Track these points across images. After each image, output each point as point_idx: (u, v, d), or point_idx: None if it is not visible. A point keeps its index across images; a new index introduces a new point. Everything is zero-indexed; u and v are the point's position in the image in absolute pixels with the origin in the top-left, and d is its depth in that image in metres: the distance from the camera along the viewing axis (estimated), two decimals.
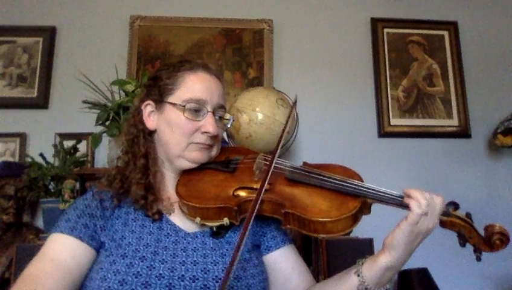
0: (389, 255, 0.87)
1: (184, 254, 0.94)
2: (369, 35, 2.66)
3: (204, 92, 1.05)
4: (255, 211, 0.88)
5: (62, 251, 0.93)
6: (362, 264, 0.92)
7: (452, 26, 2.69)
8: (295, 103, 1.18)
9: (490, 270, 2.33)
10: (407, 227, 0.85)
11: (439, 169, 2.50)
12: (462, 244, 0.89)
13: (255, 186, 0.99)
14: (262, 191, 0.91)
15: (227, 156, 1.12)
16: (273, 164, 0.96)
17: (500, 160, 2.55)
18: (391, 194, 0.91)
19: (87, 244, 0.94)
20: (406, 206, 0.87)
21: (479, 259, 0.88)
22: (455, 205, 0.90)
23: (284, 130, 1.06)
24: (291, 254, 1.08)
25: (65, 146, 2.07)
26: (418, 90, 2.59)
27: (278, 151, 0.97)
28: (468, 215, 0.90)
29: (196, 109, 1.04)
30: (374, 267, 0.89)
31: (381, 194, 0.91)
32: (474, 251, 0.89)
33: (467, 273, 2.31)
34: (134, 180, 1.02)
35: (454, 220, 0.89)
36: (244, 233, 0.82)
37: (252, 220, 0.86)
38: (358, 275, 0.90)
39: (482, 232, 0.88)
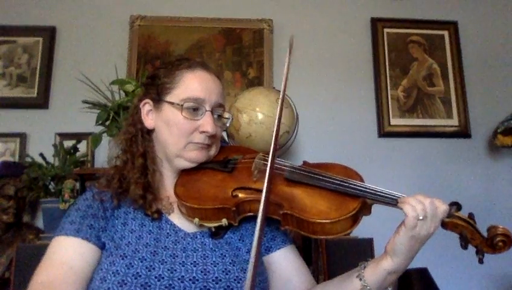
0: (391, 260, 0.87)
1: (184, 254, 0.94)
2: (369, 35, 2.65)
3: (202, 90, 1.04)
4: (264, 213, 0.87)
5: (71, 254, 0.92)
6: (364, 268, 0.91)
7: (452, 26, 2.69)
8: (291, 45, 1.13)
9: (490, 270, 2.33)
10: (406, 233, 0.84)
11: (439, 169, 2.50)
12: (464, 247, 0.87)
13: (253, 187, 0.98)
14: (264, 194, 0.89)
15: (226, 155, 1.11)
16: (273, 165, 0.94)
17: (500, 160, 2.55)
18: (392, 195, 0.89)
19: (94, 245, 0.94)
20: None
21: (481, 261, 0.85)
22: (457, 206, 0.88)
23: (281, 105, 1.01)
24: (292, 254, 1.07)
25: (65, 146, 2.07)
26: (418, 90, 2.59)
27: (276, 149, 0.96)
28: (471, 216, 0.88)
29: (194, 108, 1.03)
30: (376, 272, 0.88)
31: (381, 195, 0.90)
32: (477, 253, 0.87)
33: (467, 273, 2.31)
34: (133, 180, 1.01)
35: (456, 221, 0.87)
36: (259, 238, 0.80)
37: (263, 225, 0.84)
38: (361, 279, 0.90)
39: (484, 234, 0.86)
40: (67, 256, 0.92)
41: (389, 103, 2.55)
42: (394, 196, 0.89)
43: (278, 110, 0.99)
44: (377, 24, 2.66)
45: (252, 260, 0.74)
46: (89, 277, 0.92)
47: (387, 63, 2.60)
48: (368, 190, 0.92)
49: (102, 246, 0.95)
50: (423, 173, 2.48)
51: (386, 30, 2.65)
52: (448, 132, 2.54)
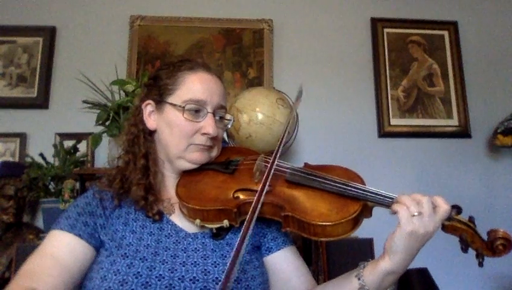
0: (388, 259, 0.87)
1: (184, 254, 0.94)
2: (369, 35, 2.66)
3: (204, 92, 1.04)
4: (255, 215, 0.87)
5: (61, 248, 0.93)
6: (364, 267, 0.91)
7: (452, 26, 2.69)
8: (301, 93, 1.13)
9: (490, 271, 2.33)
10: (402, 230, 0.84)
11: (439, 169, 2.50)
12: (464, 250, 0.87)
13: (255, 188, 0.98)
14: (263, 195, 0.90)
15: (227, 156, 1.11)
16: (274, 166, 0.95)
17: (500, 160, 2.55)
18: (393, 198, 0.90)
19: (86, 242, 0.94)
20: None
21: (481, 265, 0.86)
22: (458, 209, 0.88)
23: (286, 129, 1.04)
24: (292, 255, 1.07)
25: (65, 146, 2.07)
26: (418, 90, 2.59)
27: (279, 153, 0.96)
28: (471, 219, 0.88)
29: (196, 110, 1.03)
30: (375, 272, 0.88)
31: (382, 197, 0.90)
32: (477, 256, 0.87)
33: (467, 273, 2.31)
34: (135, 181, 1.01)
35: (456, 225, 0.87)
36: (243, 238, 0.81)
37: (252, 225, 0.85)
38: (359, 279, 0.90)
39: (484, 237, 0.86)
40: (57, 250, 0.92)
41: (389, 103, 2.55)
42: (394, 198, 0.89)
43: (285, 129, 0.99)
44: (377, 24, 2.66)
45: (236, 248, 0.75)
46: (76, 273, 0.92)
47: (387, 63, 2.60)
48: (368, 193, 0.92)
49: (96, 245, 0.96)
50: (423, 173, 2.48)
51: (386, 30, 2.65)
52: (448, 131, 2.54)
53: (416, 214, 0.83)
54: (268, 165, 0.96)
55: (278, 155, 0.96)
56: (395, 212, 0.86)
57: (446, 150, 2.54)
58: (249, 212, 0.87)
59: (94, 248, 0.95)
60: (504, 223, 0.88)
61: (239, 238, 0.82)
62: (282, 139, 0.99)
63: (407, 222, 0.83)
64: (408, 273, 2.03)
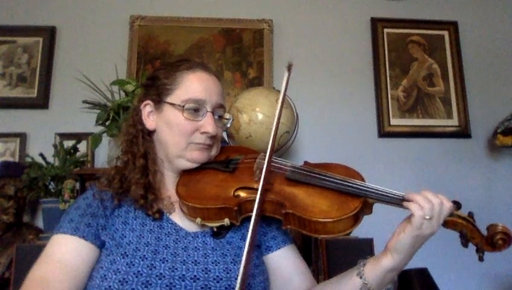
0: (391, 257, 0.88)
1: (185, 253, 0.94)
2: (369, 35, 2.66)
3: (203, 91, 1.04)
4: (258, 213, 0.87)
5: (67, 252, 0.93)
6: (364, 265, 0.92)
7: (452, 26, 2.69)
8: (290, 67, 1.14)
9: (490, 270, 2.33)
10: (411, 232, 0.85)
11: (439, 169, 2.50)
12: (464, 245, 0.88)
13: (255, 187, 0.98)
14: (260, 193, 0.90)
15: (227, 155, 1.11)
16: (270, 163, 0.95)
17: (500, 160, 2.55)
18: (393, 194, 0.90)
19: (91, 243, 0.94)
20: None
21: (481, 259, 0.86)
22: (457, 205, 0.89)
23: (281, 106, 1.03)
24: (292, 254, 1.07)
25: (65, 146, 2.06)
26: (418, 90, 2.59)
27: (273, 146, 0.96)
28: (471, 214, 0.89)
29: (195, 109, 1.03)
30: (377, 270, 0.89)
31: (383, 194, 0.91)
32: (477, 251, 0.88)
33: (467, 273, 2.31)
34: (134, 180, 1.01)
35: (456, 220, 0.88)
36: (252, 237, 0.81)
37: (257, 223, 0.85)
38: (361, 277, 0.90)
39: (484, 232, 0.87)
40: (63, 254, 0.92)
41: (389, 103, 2.55)
42: (396, 195, 0.90)
43: (277, 112, 1.00)
44: (377, 24, 2.66)
45: (244, 253, 0.75)
46: (85, 275, 0.92)
47: (387, 63, 2.60)
48: (369, 189, 0.92)
49: (100, 245, 0.96)
50: (423, 173, 2.48)
51: (386, 30, 2.65)
52: (448, 132, 2.55)
53: (428, 217, 0.84)
54: (270, 163, 0.96)
55: (273, 150, 0.96)
56: (408, 209, 0.86)
57: (446, 150, 2.54)
58: (254, 212, 0.87)
59: (98, 248, 0.95)
60: (504, 223, 0.89)
61: (248, 239, 0.82)
62: (278, 121, 0.98)
63: (419, 224, 0.84)
64: (408, 273, 2.03)
